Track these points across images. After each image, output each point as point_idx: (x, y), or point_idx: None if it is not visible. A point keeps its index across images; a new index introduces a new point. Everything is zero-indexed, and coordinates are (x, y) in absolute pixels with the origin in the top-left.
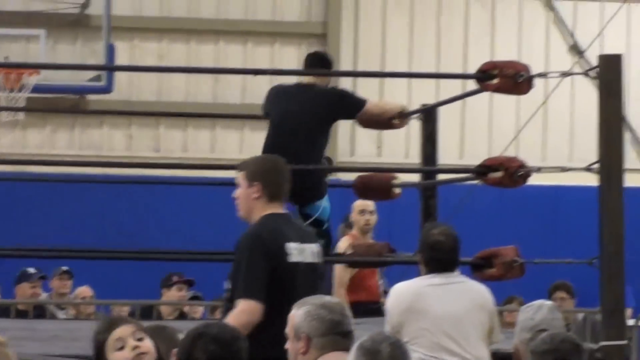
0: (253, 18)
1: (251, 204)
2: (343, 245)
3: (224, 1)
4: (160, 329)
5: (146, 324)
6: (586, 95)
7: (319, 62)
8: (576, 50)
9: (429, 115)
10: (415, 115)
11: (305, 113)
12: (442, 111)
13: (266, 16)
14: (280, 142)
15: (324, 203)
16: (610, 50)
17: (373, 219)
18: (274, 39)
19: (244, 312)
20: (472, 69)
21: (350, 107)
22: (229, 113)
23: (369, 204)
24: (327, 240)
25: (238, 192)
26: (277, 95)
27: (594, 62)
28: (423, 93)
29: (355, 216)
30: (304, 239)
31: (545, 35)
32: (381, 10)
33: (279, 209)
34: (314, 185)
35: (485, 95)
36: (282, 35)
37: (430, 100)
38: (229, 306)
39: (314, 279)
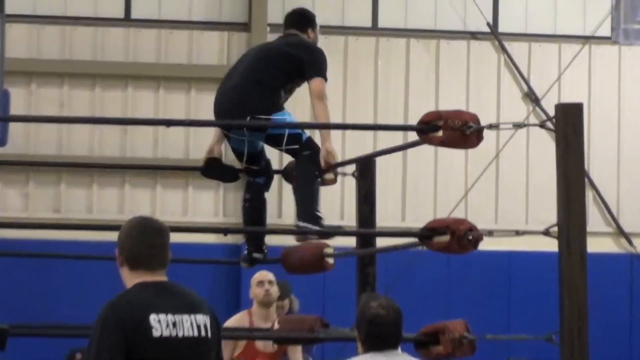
0: (166, 61)
1: (121, 273)
2: (231, 322)
3: (133, 42)
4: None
5: None
6: (543, 149)
7: (298, 19)
8: (531, 97)
9: (365, 169)
10: (349, 171)
11: (269, 50)
12: (381, 167)
13: (181, 59)
14: (233, 81)
15: (285, 116)
16: (569, 96)
17: (274, 289)
18: (190, 84)
19: None
20: (414, 119)
21: (312, 66)
22: (139, 165)
23: (267, 274)
24: (314, 151)
25: None
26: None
27: (552, 110)
28: (359, 147)
29: (254, 289)
30: (183, 310)
31: (496, 81)
32: None
33: (150, 276)
34: (262, 100)
35: (430, 149)
36: (199, 80)
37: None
38: None
39: (198, 355)
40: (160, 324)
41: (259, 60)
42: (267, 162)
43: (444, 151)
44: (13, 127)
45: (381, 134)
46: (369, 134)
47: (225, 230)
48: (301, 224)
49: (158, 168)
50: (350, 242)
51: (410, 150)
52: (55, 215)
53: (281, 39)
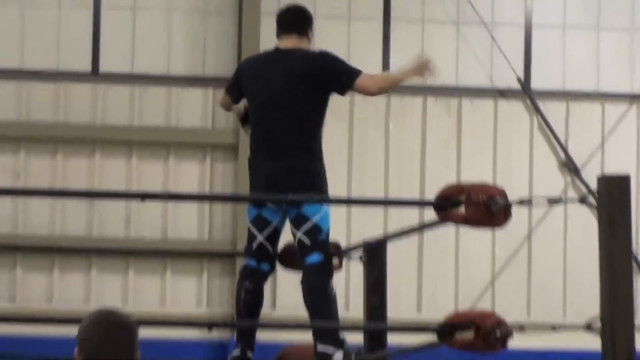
0: (140, 123)
1: None
2: None
3: (102, 101)
4: None
5: None
6: (584, 228)
7: (297, 20)
8: (569, 166)
9: (374, 254)
10: (356, 256)
11: (293, 83)
12: (393, 250)
13: (157, 120)
14: (268, 129)
15: (326, 207)
16: (614, 166)
17: None
18: (168, 150)
19: None
20: (432, 193)
21: (346, 75)
22: (109, 247)
23: None
24: (326, 257)
25: None
26: (249, 69)
27: (594, 182)
28: (367, 227)
29: None
30: None
31: (528, 147)
32: None
33: None
34: (314, 175)
35: (450, 228)
36: (179, 146)
37: (377, 235)
38: None
39: None
40: None
41: (297, 101)
42: (286, 251)
43: (467, 231)
44: None
45: (393, 210)
46: (379, 210)
47: (210, 324)
48: (320, 347)
49: (131, 252)
50: (357, 337)
51: (427, 230)
52: (10, 305)
53: (294, 58)
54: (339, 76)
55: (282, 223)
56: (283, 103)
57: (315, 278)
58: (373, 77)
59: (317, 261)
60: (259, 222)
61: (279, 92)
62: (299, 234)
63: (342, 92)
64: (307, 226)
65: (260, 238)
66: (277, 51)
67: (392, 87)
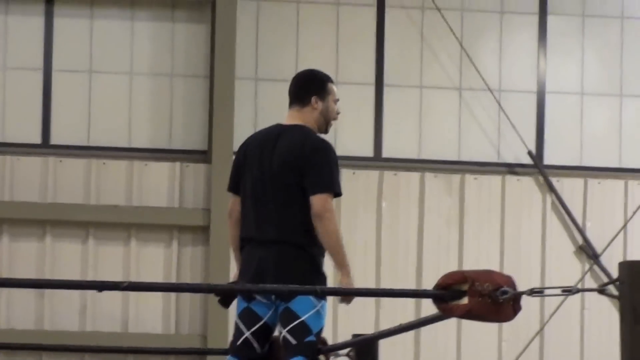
0: (97, 202)
1: None
2: None
3: (53, 176)
4: None
5: None
6: (603, 321)
7: (299, 88)
8: (588, 251)
9: (364, 352)
10: (344, 352)
11: (284, 166)
12: (386, 346)
13: (117, 199)
14: (257, 214)
15: (319, 307)
16: (638, 248)
17: None
18: (129, 233)
19: None
20: (430, 282)
21: (315, 180)
22: (60, 345)
23: None
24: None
25: None
26: (247, 148)
27: (615, 269)
28: (356, 320)
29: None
30: None
31: (540, 229)
32: None
33: None
34: (307, 267)
35: (451, 321)
36: (142, 227)
37: (368, 330)
38: None
39: None
40: None
41: (290, 185)
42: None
43: (470, 325)
44: None
45: (385, 303)
46: (370, 301)
47: None
48: None
49: (87, 349)
50: None
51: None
52: None
53: (289, 137)
54: (309, 176)
55: (273, 319)
56: (277, 187)
57: None
58: (330, 211)
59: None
60: (248, 316)
61: (272, 175)
62: (284, 332)
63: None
64: (294, 324)
65: (246, 333)
66: (277, 127)
67: (334, 246)
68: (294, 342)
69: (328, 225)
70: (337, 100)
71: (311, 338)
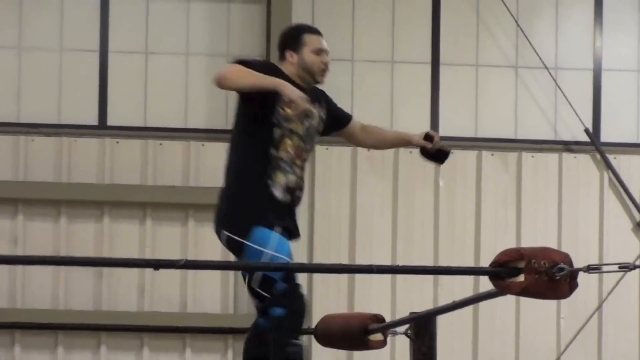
0: (154, 182)
1: None
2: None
3: (110, 157)
4: None
5: None
6: None
7: (278, 46)
8: None
9: (422, 328)
10: (401, 330)
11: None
12: (444, 322)
13: (174, 179)
14: None
15: (266, 233)
16: None
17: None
18: (187, 213)
19: None
20: (487, 259)
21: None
22: (119, 324)
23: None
24: (287, 310)
25: None
26: None
27: None
28: (414, 297)
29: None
30: None
31: (598, 206)
32: (351, 172)
33: None
34: (234, 205)
35: (509, 299)
36: (199, 208)
37: (425, 308)
38: None
39: None
40: None
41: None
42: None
43: (528, 302)
44: None
45: (444, 279)
46: (427, 279)
47: None
48: None
49: (145, 328)
50: None
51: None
52: None
53: None
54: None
55: None
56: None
57: (277, 338)
58: (234, 67)
59: (280, 314)
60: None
61: None
62: (248, 289)
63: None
64: (251, 275)
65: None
66: None
67: (247, 84)
68: (265, 295)
69: (235, 80)
70: (320, 50)
71: (281, 285)
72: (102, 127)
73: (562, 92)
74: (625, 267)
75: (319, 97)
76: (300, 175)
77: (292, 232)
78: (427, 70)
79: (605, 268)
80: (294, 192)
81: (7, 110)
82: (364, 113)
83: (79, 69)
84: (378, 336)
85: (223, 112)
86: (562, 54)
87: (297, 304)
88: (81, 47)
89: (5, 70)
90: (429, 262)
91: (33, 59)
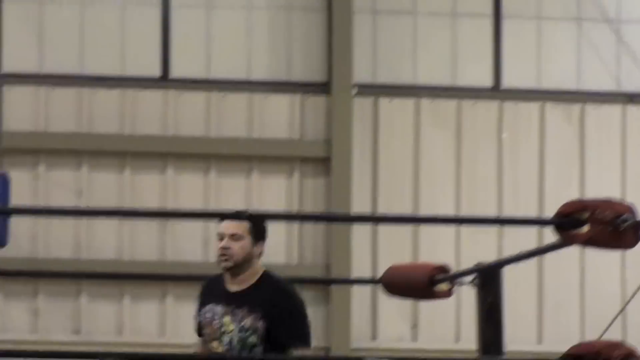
0: (218, 134)
1: None
2: None
3: (173, 109)
4: None
5: None
6: None
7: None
8: None
9: (488, 278)
10: (467, 280)
11: None
12: (509, 273)
13: (238, 131)
14: None
15: None
16: None
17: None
18: (250, 165)
19: None
20: (551, 210)
21: None
22: (183, 274)
23: (233, 225)
24: None
25: None
26: None
27: None
28: (478, 248)
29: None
30: None
31: None
32: (414, 124)
33: None
34: None
35: (574, 249)
36: (263, 160)
37: (491, 259)
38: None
39: None
40: None
41: None
42: None
43: (593, 252)
44: (16, 222)
45: (509, 230)
46: (492, 230)
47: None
48: None
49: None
50: None
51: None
52: (74, 337)
53: None
54: None
55: None
56: None
57: None
58: None
59: None
60: None
61: None
62: None
63: None
64: None
65: None
66: None
67: None
68: None
69: None
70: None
71: None
72: (165, 80)
73: (624, 44)
74: None
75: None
76: None
77: None
78: (489, 23)
79: None
80: None
81: (70, 63)
82: (428, 69)
83: (142, 23)
84: (444, 286)
85: (286, 64)
86: (625, 6)
87: None
88: (144, 2)
89: (69, 24)
90: (492, 213)
91: (96, 12)
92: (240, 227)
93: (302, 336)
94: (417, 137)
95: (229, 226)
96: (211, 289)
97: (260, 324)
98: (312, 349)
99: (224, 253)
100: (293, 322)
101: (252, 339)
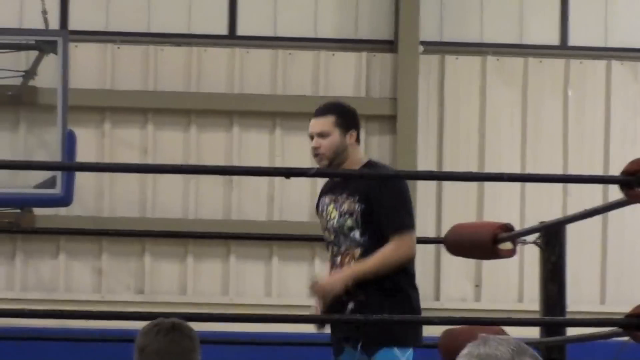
0: (284, 92)
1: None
2: None
3: (239, 67)
4: None
5: None
6: None
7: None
8: None
9: (552, 237)
10: (531, 239)
11: None
12: (573, 233)
13: (304, 89)
14: None
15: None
16: None
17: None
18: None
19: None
20: (617, 168)
21: None
22: (249, 234)
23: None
24: None
25: None
26: None
27: None
28: (543, 208)
29: None
30: None
31: None
32: (480, 82)
33: None
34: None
35: (638, 208)
36: None
37: (554, 217)
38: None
39: None
40: None
41: None
42: None
43: None
44: (80, 180)
45: (573, 188)
46: (556, 190)
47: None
48: None
49: (275, 237)
50: (533, 332)
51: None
52: (139, 297)
53: None
54: None
55: None
56: None
57: None
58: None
59: None
60: None
61: None
62: None
63: None
64: None
65: None
66: None
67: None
68: None
69: None
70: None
71: None
72: (231, 37)
73: None
74: None
75: (352, 185)
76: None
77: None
78: None
79: None
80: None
81: (137, 20)
82: (494, 26)
83: None
84: (507, 245)
85: (353, 21)
86: None
87: None
88: None
89: None
90: (557, 171)
91: None
92: (325, 123)
93: (399, 221)
94: (483, 94)
95: (314, 124)
96: (326, 184)
97: (356, 207)
98: (413, 238)
99: (316, 153)
100: (391, 205)
101: (349, 222)
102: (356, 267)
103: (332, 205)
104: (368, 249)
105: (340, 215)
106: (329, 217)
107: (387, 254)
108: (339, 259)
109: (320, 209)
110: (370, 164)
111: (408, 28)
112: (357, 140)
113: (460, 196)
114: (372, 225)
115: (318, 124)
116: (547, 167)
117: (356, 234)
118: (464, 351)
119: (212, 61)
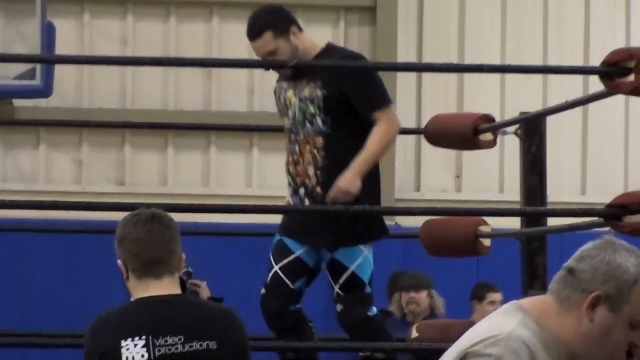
0: None
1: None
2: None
3: None
4: None
5: None
6: None
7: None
8: None
9: (532, 129)
10: (511, 130)
11: None
12: (554, 124)
13: None
14: None
15: (367, 254)
16: None
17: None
18: (296, 14)
19: None
20: (597, 60)
21: None
22: (229, 125)
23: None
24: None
25: None
26: None
27: None
28: (522, 99)
29: None
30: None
31: None
32: None
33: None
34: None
35: (618, 100)
36: (308, 8)
37: (535, 109)
38: None
39: None
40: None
41: None
42: None
43: (637, 103)
44: (60, 72)
45: (552, 81)
46: (536, 81)
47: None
48: None
49: (254, 129)
50: (514, 222)
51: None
52: (119, 188)
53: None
54: None
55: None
56: None
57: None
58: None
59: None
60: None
61: None
62: (337, 286)
63: None
64: (347, 274)
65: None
66: None
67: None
68: (351, 293)
69: None
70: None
71: (368, 288)
72: None
73: None
74: None
75: (315, 72)
76: (299, 172)
77: (290, 227)
78: None
79: None
80: (299, 190)
81: None
82: None
83: None
84: (488, 136)
85: None
86: None
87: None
88: None
89: None
90: (538, 62)
91: None
92: (265, 43)
93: (379, 99)
94: None
95: (256, 48)
96: None
97: (318, 92)
98: (394, 111)
99: (277, 71)
100: (365, 86)
101: (311, 108)
102: (362, 157)
103: (291, 91)
104: (331, 138)
105: (300, 101)
106: (288, 103)
107: (383, 133)
108: (296, 147)
109: (278, 93)
110: (329, 49)
111: None
112: (299, 28)
113: (440, 88)
114: (334, 113)
115: (260, 46)
116: (527, 58)
117: (318, 121)
118: (588, 246)
119: None
